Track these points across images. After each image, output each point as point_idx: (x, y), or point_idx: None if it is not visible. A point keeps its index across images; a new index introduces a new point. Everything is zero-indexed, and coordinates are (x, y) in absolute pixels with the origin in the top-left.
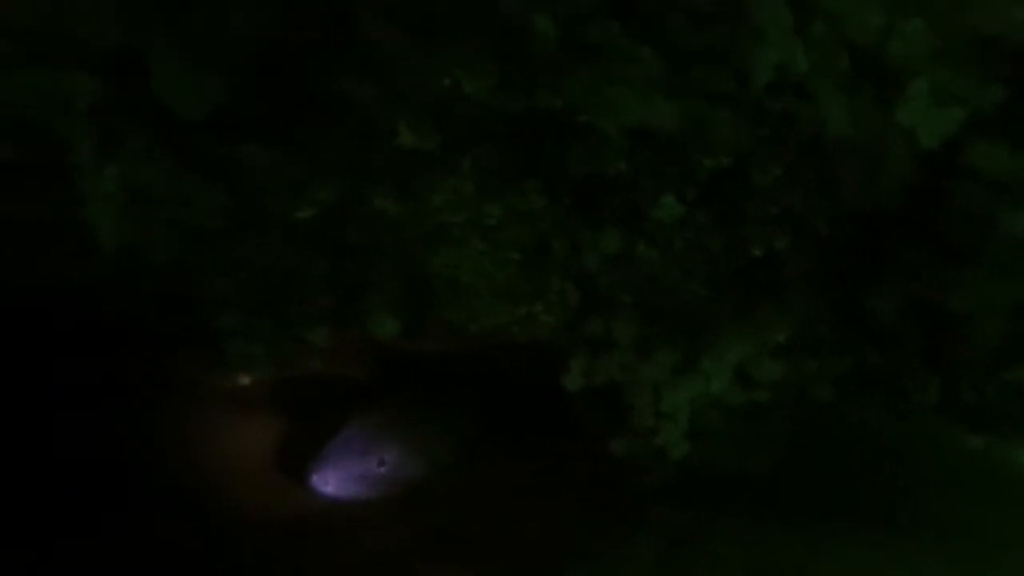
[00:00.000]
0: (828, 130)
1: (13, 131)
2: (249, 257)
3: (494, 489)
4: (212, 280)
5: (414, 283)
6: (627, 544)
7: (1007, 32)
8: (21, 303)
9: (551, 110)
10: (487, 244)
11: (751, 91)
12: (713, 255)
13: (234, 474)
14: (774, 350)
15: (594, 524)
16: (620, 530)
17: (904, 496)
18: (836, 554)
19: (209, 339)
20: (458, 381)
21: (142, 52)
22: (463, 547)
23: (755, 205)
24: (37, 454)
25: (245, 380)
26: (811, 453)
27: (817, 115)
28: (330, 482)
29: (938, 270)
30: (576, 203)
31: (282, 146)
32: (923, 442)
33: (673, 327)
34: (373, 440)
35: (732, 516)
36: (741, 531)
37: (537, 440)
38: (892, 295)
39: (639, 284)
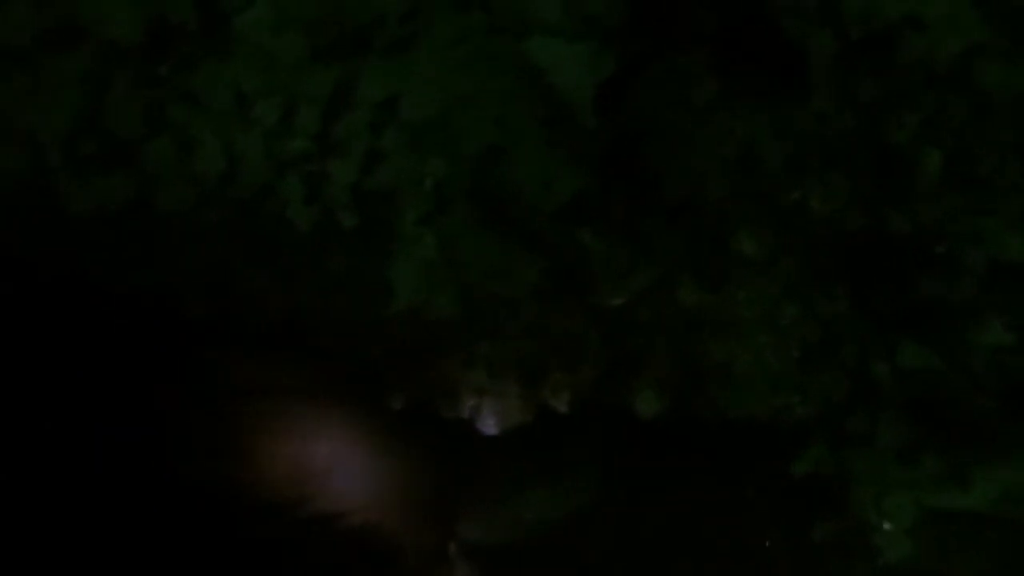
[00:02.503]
0: None
1: (366, 202)
2: (533, 325)
3: (655, 546)
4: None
5: (687, 366)
6: None
7: None
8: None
9: (898, 232)
10: (773, 338)
11: None
12: (1014, 374)
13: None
14: None
15: None
16: None
17: None
18: None
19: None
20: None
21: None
22: None
23: None
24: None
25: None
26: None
27: None
28: (477, 531)
29: None
30: (882, 311)
31: (616, 235)
32: None
33: (946, 433)
34: (520, 485)
35: None
36: None
37: (746, 516)
38: None
39: (922, 391)
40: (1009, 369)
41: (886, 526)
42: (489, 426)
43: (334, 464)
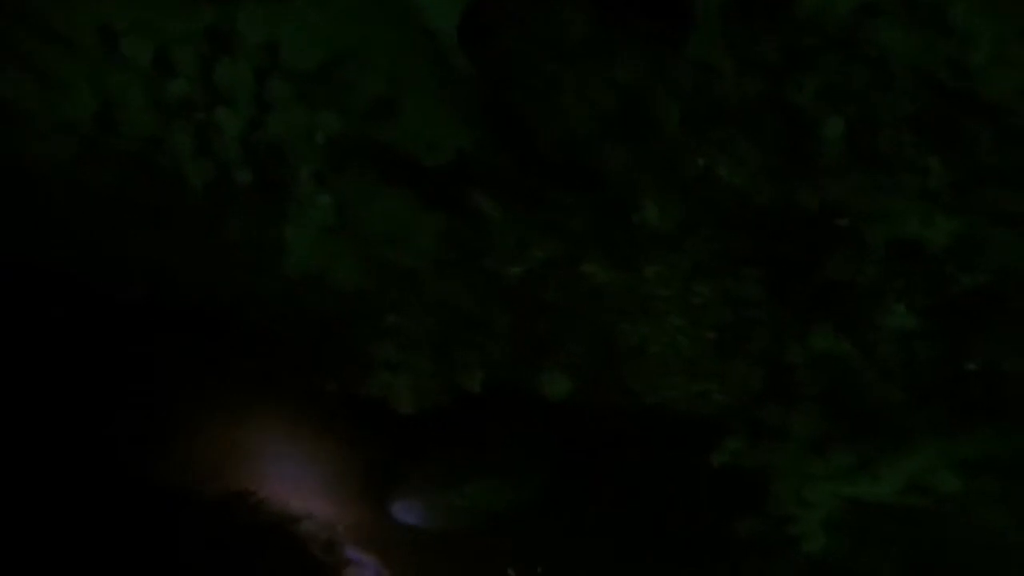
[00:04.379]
0: None
1: (259, 158)
2: (440, 300)
3: (584, 538)
4: (385, 313)
5: (598, 348)
6: None
7: None
8: (204, 304)
9: (806, 208)
10: (686, 320)
11: None
12: (921, 364)
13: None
14: (961, 464)
15: None
16: None
17: None
18: None
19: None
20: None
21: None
22: None
23: (1003, 327)
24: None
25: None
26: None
27: None
28: (413, 512)
29: None
30: (795, 295)
31: (514, 203)
32: None
33: (856, 427)
34: (456, 471)
35: None
36: None
37: (664, 510)
38: None
39: (833, 381)
40: (916, 356)
41: (805, 519)
42: (404, 405)
43: (258, 447)
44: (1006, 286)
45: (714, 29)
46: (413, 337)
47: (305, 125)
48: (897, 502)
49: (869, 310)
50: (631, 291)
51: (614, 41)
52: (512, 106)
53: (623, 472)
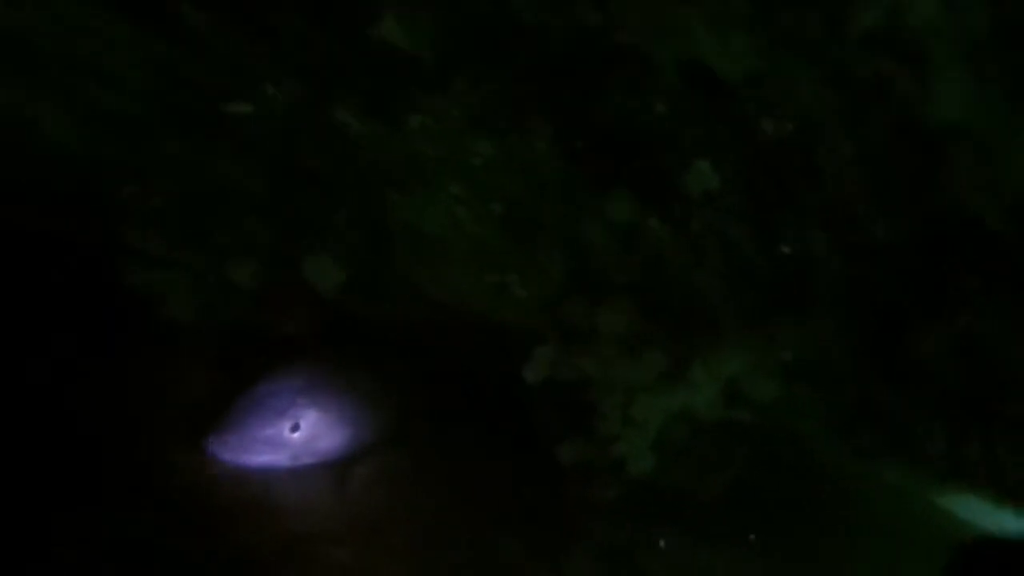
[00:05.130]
0: (934, 111)
1: None
2: (174, 157)
3: (422, 478)
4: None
5: (370, 227)
6: (560, 558)
7: None
8: None
9: (589, 28)
10: (465, 188)
11: (840, 43)
12: (733, 244)
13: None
14: (774, 368)
15: (527, 534)
16: (554, 542)
17: (840, 537)
18: None
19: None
20: (409, 351)
21: None
22: (377, 537)
23: (809, 192)
24: None
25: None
26: (759, 477)
27: (921, 90)
28: (229, 447)
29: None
30: (589, 155)
31: (228, 18)
32: (880, 487)
33: (670, 325)
34: (292, 403)
35: (672, 535)
36: (679, 551)
37: (481, 433)
38: (943, 333)
39: (641, 265)
40: (726, 233)
41: (631, 439)
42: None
43: None
44: (814, 141)
45: None
46: (163, 214)
47: None
48: (720, 418)
49: (668, 169)
50: (395, 149)
51: None
52: None
53: (435, 393)
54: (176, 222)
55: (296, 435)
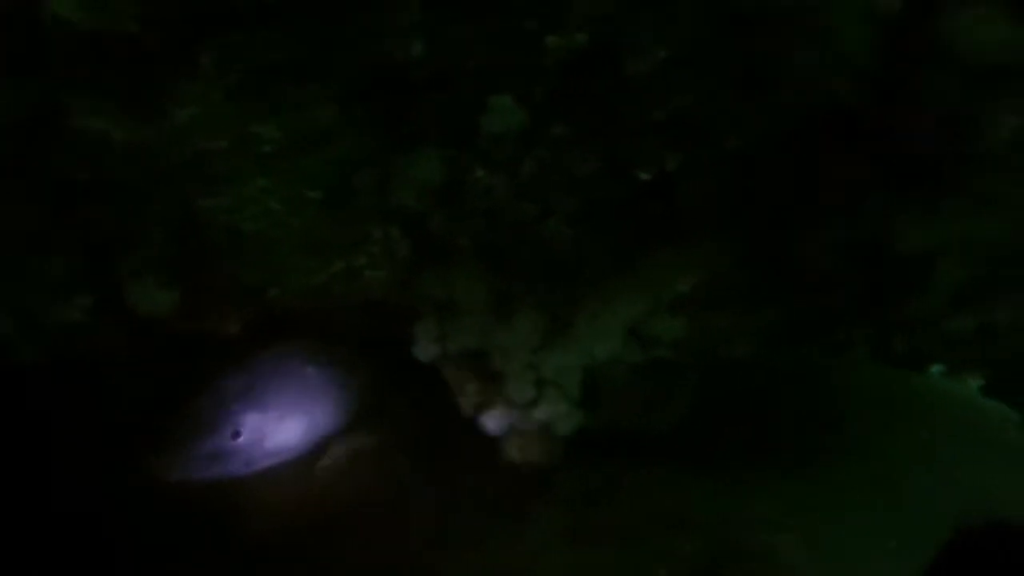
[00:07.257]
0: None
1: None
2: None
3: (384, 461)
4: None
5: (191, 238)
6: (530, 517)
7: None
8: None
9: None
10: (270, 179)
11: None
12: (579, 182)
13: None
14: (674, 304)
15: (489, 498)
16: (520, 503)
17: (830, 427)
18: (757, 492)
19: None
20: (348, 338)
21: None
22: (349, 523)
23: (633, 107)
24: None
25: None
26: (727, 398)
27: None
28: (175, 468)
29: (894, 202)
30: (380, 117)
31: None
32: (856, 373)
33: (533, 281)
34: (226, 410)
35: (644, 470)
36: (656, 483)
37: (438, 407)
38: (829, 234)
39: (479, 225)
40: (567, 170)
41: (550, 400)
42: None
43: None
44: (617, 47)
45: None
46: None
47: None
48: (642, 360)
49: (469, 113)
50: (178, 150)
51: None
52: None
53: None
54: None
55: (240, 440)
